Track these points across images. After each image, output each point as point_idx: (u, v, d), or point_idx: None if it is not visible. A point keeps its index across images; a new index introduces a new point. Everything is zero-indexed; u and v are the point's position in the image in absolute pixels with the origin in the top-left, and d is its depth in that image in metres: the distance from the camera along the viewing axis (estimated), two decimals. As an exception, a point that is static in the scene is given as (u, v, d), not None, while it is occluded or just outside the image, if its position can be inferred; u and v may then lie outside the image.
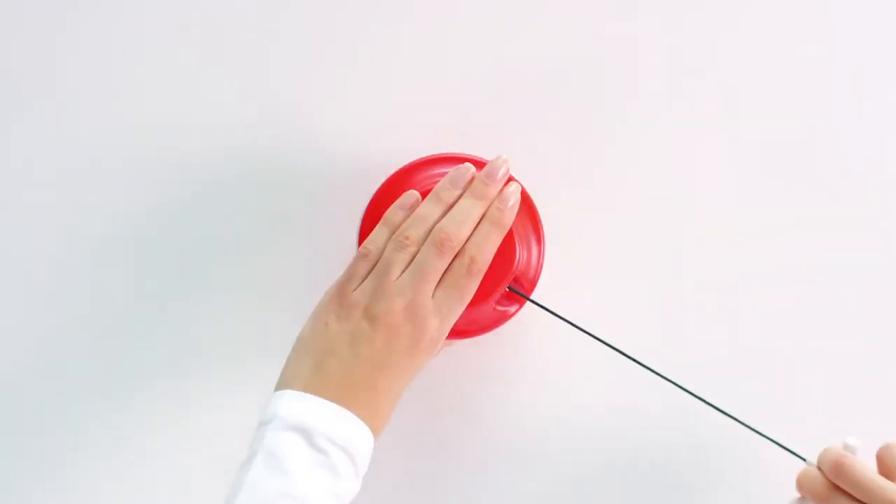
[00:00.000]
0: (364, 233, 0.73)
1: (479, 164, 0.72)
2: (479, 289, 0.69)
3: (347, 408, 0.65)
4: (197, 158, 0.82)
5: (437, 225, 0.69)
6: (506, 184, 0.71)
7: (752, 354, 0.81)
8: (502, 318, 0.75)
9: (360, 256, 0.69)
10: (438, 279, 0.68)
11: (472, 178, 0.71)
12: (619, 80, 0.82)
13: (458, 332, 0.71)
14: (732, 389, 0.80)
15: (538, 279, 0.74)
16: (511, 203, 0.70)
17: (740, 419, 0.72)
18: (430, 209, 0.70)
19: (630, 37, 0.82)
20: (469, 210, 0.69)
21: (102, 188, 0.82)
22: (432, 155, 0.75)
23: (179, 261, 0.82)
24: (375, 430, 0.66)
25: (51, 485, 0.81)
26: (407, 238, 0.68)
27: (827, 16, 0.82)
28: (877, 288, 0.81)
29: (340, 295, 0.68)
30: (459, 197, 0.70)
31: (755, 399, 0.80)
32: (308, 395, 0.65)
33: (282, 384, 0.67)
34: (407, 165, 0.75)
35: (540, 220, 0.74)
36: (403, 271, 0.68)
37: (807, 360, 0.81)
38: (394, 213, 0.71)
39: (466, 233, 0.69)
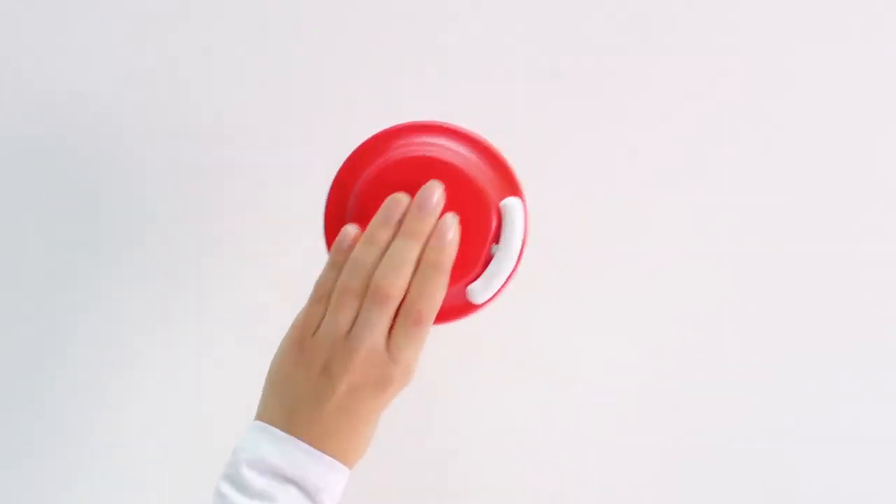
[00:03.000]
0: (329, 217, 0.70)
1: (450, 132, 0.69)
2: (457, 270, 0.66)
3: (322, 449, 0.64)
4: (197, 158, 0.83)
5: (375, 274, 0.66)
6: (442, 213, 0.66)
7: (752, 358, 0.81)
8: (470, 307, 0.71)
9: (314, 300, 0.67)
10: (389, 325, 0.65)
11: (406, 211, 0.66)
12: (619, 81, 0.82)
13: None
14: (729, 392, 0.80)
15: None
16: (449, 237, 0.65)
17: None
18: (364, 254, 0.66)
19: (631, 37, 0.82)
20: (403, 254, 0.65)
21: (102, 188, 0.83)
22: (404, 123, 0.71)
23: (180, 261, 0.82)
24: (350, 464, 0.66)
25: (49, 485, 0.82)
26: (347, 292, 0.66)
27: (828, 17, 0.82)
28: (879, 289, 0.81)
29: (300, 341, 0.67)
30: (394, 235, 0.66)
31: (753, 401, 0.80)
32: (284, 436, 0.64)
33: (260, 415, 0.67)
34: (370, 138, 0.71)
35: (516, 180, 0.69)
36: (355, 320, 0.66)
37: (805, 365, 0.81)
38: (337, 253, 0.68)
39: (405, 279, 0.65)
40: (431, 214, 0.66)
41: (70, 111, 0.83)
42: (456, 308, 0.68)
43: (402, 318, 0.65)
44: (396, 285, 0.64)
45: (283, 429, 0.65)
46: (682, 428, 0.80)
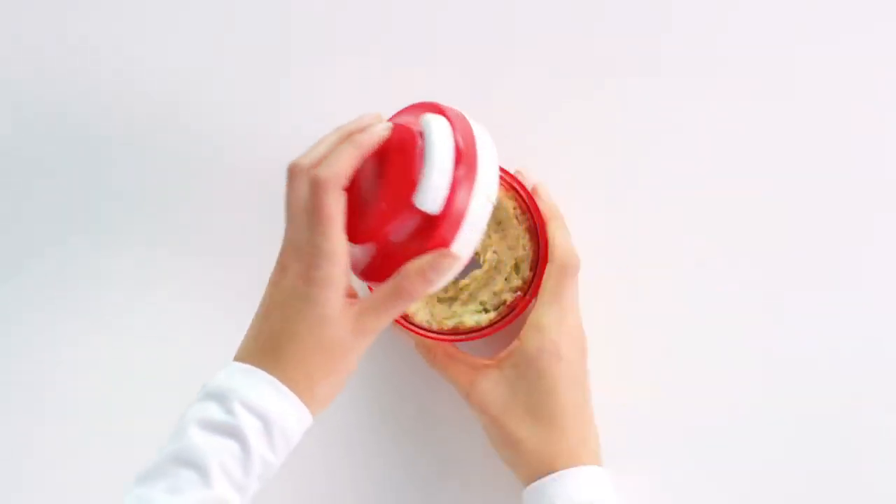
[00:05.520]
0: None
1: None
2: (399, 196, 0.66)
3: (252, 363, 0.65)
4: (198, 157, 0.82)
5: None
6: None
7: (754, 361, 0.81)
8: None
9: None
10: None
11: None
12: (622, 80, 0.82)
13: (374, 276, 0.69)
14: (738, 391, 0.80)
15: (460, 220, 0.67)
16: (374, 127, 0.67)
17: None
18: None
19: (632, 36, 0.82)
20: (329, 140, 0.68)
21: (101, 188, 0.83)
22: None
23: (180, 260, 0.82)
24: (288, 380, 0.64)
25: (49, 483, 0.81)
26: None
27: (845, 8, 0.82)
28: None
29: None
30: None
31: (759, 404, 0.80)
32: (233, 363, 0.65)
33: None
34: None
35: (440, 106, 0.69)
36: None
37: (813, 367, 0.81)
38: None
39: (317, 155, 0.67)
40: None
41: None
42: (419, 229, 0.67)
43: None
44: (305, 159, 0.66)
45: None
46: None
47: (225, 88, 0.83)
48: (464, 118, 0.68)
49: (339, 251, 0.65)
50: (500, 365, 0.74)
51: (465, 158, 0.66)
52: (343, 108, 0.76)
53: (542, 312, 0.73)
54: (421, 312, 0.77)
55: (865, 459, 0.79)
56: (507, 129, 0.80)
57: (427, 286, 0.65)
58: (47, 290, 0.82)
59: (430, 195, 0.65)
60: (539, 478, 0.71)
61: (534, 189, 0.76)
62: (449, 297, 0.78)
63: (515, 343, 0.74)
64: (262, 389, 0.63)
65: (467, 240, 0.66)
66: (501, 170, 0.76)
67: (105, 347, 0.82)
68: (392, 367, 0.81)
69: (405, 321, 0.76)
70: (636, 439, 0.79)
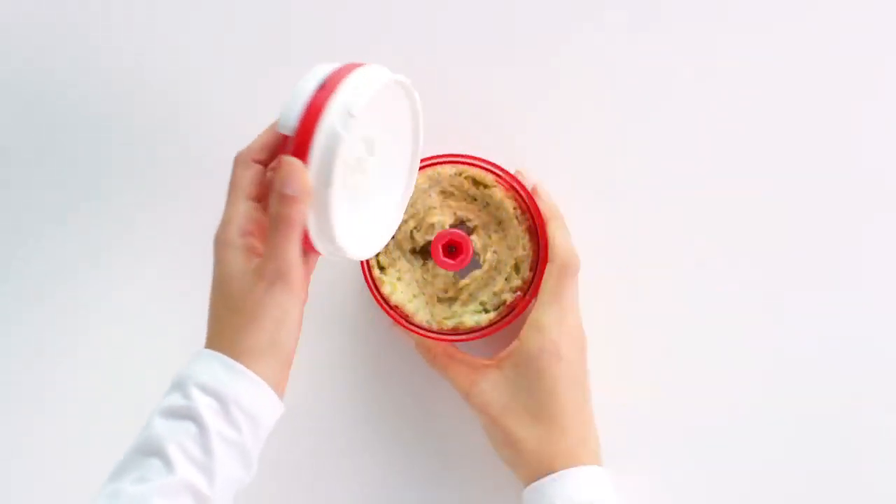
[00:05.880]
0: None
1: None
2: None
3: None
4: (198, 157, 0.82)
5: None
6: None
7: (754, 361, 0.81)
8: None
9: None
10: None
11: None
12: (622, 80, 0.82)
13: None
14: (738, 391, 0.80)
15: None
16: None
17: None
18: None
19: (632, 36, 0.82)
20: None
21: (101, 188, 0.83)
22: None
23: (181, 260, 0.82)
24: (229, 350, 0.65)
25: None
26: None
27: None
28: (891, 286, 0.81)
29: None
30: None
31: (759, 404, 0.80)
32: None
33: None
34: None
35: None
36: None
37: (813, 367, 0.81)
38: None
39: None
40: None
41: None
42: None
43: None
44: None
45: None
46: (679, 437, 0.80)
47: (225, 88, 0.83)
48: (360, 64, 0.68)
49: (234, 213, 0.67)
50: (500, 365, 0.74)
51: (328, 83, 0.66)
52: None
53: (542, 312, 0.73)
54: (421, 312, 0.77)
55: (865, 459, 0.79)
56: (507, 129, 0.81)
57: (290, 204, 0.64)
58: (47, 290, 0.82)
59: (284, 117, 0.65)
60: (539, 478, 0.71)
61: (534, 189, 0.76)
62: (449, 297, 0.78)
63: (515, 343, 0.74)
64: (212, 366, 0.64)
65: (325, 147, 0.64)
66: (500, 169, 0.76)
67: (105, 347, 0.82)
68: (392, 367, 0.81)
69: (405, 321, 0.76)
70: (636, 439, 0.80)
